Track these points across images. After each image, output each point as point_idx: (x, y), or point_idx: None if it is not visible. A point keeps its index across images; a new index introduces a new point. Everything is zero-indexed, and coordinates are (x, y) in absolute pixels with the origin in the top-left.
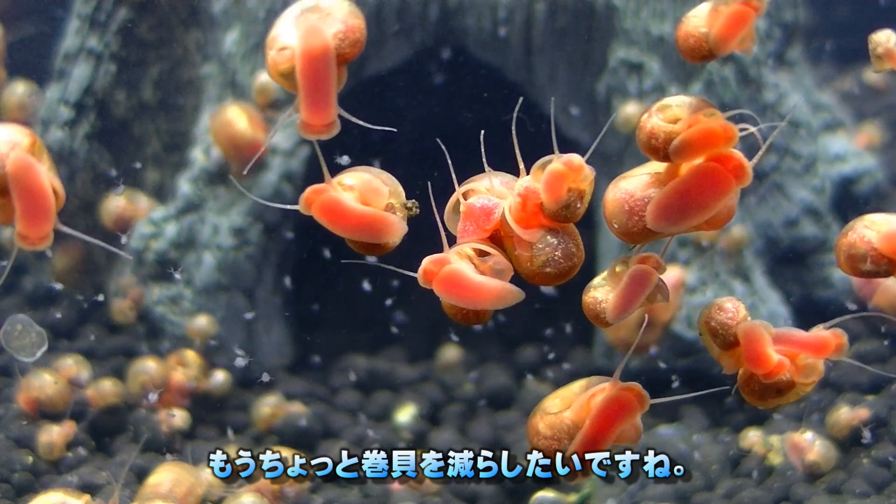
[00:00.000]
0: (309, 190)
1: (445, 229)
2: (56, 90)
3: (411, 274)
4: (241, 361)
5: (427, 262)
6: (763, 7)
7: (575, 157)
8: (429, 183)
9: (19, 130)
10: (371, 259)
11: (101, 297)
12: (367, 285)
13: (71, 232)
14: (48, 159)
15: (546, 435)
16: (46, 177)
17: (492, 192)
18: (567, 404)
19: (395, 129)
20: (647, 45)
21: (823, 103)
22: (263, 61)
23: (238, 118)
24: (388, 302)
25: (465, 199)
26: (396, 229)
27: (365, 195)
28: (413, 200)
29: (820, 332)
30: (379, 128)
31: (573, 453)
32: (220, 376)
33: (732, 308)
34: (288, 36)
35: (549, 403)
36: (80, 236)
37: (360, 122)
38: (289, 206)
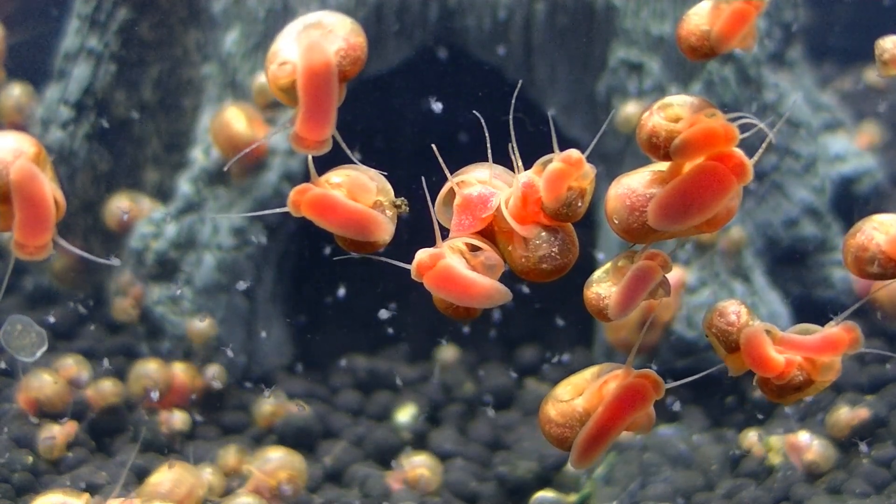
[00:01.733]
0: (294, 191)
1: (439, 222)
2: (56, 90)
3: (405, 266)
4: (266, 393)
5: (422, 254)
6: (764, 5)
7: (573, 152)
8: (423, 181)
9: (25, 139)
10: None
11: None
12: (367, 286)
13: (67, 246)
14: (51, 169)
15: (558, 423)
16: (49, 187)
17: (486, 184)
18: (578, 391)
19: (385, 173)
20: (647, 45)
21: (823, 103)
22: (263, 61)
23: (237, 119)
24: (389, 302)
25: (461, 191)
26: (384, 227)
27: (352, 192)
28: (402, 198)
29: (831, 329)
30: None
31: (584, 441)
32: (219, 375)
33: (734, 314)
34: (289, 51)
35: (560, 391)
36: (75, 251)
37: (351, 154)
38: (279, 210)
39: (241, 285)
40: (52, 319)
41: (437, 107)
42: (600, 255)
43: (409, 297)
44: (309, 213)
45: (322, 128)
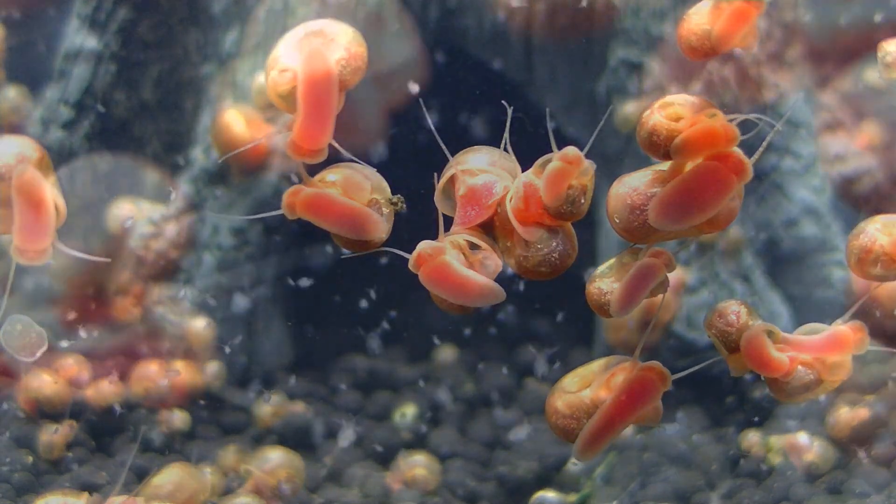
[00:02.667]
0: (287, 193)
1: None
2: (56, 90)
3: (405, 255)
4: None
5: (423, 246)
6: (764, 5)
7: (570, 149)
8: (434, 177)
9: (29, 144)
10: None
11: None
12: (367, 285)
13: (67, 250)
14: (53, 174)
15: (565, 414)
16: (50, 192)
17: (487, 173)
18: (586, 383)
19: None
20: (647, 45)
21: (823, 103)
22: (263, 61)
23: (236, 122)
24: (388, 302)
25: (465, 180)
26: (379, 226)
27: (347, 190)
28: (398, 196)
29: (838, 328)
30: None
31: (591, 433)
32: (218, 374)
33: (734, 315)
34: (290, 58)
35: (567, 382)
36: (74, 254)
37: (350, 156)
38: (276, 213)
39: (305, 281)
40: (62, 344)
41: (415, 88)
42: (601, 256)
43: (410, 296)
44: (304, 214)
45: (320, 136)
